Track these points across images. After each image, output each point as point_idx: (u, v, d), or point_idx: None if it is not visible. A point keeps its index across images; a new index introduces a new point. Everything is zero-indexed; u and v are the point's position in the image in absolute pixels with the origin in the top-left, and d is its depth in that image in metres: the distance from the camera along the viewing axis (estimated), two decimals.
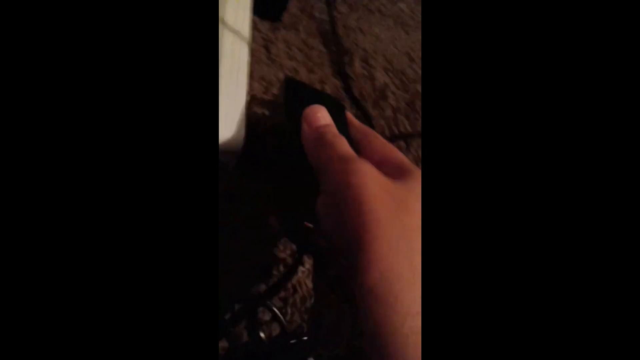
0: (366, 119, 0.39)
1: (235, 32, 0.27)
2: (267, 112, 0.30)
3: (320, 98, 0.26)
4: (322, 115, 0.23)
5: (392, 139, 0.40)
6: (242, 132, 0.25)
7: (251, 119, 0.28)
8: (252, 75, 0.34)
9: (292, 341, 0.23)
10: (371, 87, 0.42)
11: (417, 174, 0.21)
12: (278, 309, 0.25)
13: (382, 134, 0.40)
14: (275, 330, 0.25)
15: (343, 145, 0.22)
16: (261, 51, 0.36)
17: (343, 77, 0.40)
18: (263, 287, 0.26)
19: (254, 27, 0.37)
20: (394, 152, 0.23)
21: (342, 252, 0.20)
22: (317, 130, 0.22)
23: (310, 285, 0.27)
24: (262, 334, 0.24)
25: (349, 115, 0.26)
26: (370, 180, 0.20)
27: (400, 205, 0.19)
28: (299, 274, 0.27)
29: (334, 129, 0.23)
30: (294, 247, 0.28)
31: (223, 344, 0.23)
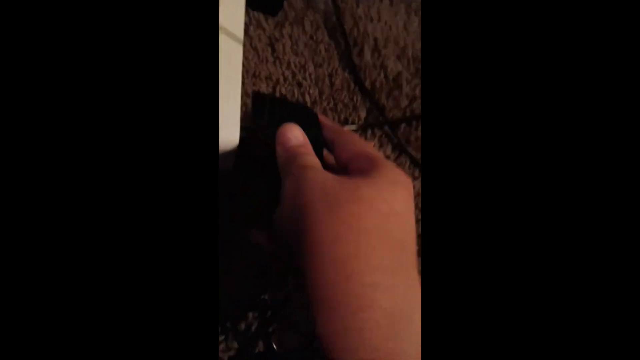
0: (378, 111, 0.38)
1: (228, 33, 0.27)
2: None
3: (290, 108, 0.25)
4: (293, 135, 0.22)
5: (412, 119, 0.39)
6: (237, 134, 0.24)
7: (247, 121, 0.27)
8: (258, 76, 0.33)
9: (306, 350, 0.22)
10: (384, 77, 0.41)
11: (386, 167, 0.20)
12: (294, 317, 0.25)
13: (398, 124, 0.39)
14: (292, 339, 0.24)
15: (307, 159, 0.21)
16: (267, 50, 0.35)
17: (352, 68, 0.39)
18: (280, 295, 0.25)
19: (258, 26, 0.36)
20: (364, 147, 0.23)
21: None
22: (289, 151, 0.22)
23: None
24: (274, 345, 0.23)
25: (322, 117, 0.25)
26: (312, 183, 0.19)
27: (353, 203, 0.18)
28: None
29: (306, 148, 0.22)
30: None
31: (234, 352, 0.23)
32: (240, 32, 0.26)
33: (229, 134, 0.24)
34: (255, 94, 0.26)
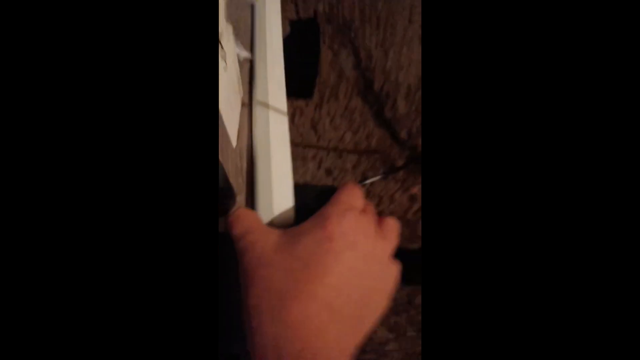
0: (414, 158, 0.42)
1: (278, 138, 0.35)
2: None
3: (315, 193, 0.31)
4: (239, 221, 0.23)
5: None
6: (292, 214, 0.32)
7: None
8: (305, 158, 0.41)
9: None
10: (420, 121, 0.45)
11: (326, 217, 0.21)
12: None
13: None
14: None
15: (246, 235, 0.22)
16: (310, 133, 0.43)
17: (386, 125, 0.44)
18: None
19: (300, 113, 0.44)
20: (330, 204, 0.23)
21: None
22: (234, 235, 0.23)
23: None
24: None
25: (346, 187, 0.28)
26: (250, 252, 0.20)
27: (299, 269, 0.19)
28: None
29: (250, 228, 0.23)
30: None
31: None
32: (286, 136, 0.34)
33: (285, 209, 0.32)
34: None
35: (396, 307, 0.34)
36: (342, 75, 0.46)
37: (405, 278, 0.36)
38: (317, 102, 0.45)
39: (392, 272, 0.24)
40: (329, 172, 0.41)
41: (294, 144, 0.38)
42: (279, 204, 0.31)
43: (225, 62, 0.28)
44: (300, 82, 0.43)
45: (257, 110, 0.34)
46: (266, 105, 0.35)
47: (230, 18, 0.31)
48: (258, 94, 0.35)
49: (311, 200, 0.31)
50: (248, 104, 0.36)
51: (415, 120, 0.44)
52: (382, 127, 0.44)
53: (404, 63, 0.48)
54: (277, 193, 0.32)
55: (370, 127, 0.44)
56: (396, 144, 0.43)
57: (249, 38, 0.40)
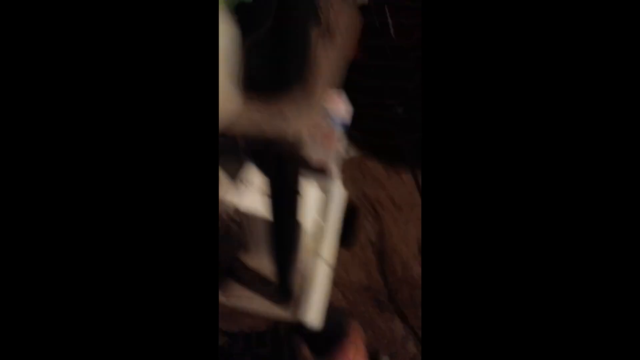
0: (391, 300, 0.76)
1: (321, 259, 0.71)
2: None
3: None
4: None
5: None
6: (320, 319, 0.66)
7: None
8: (335, 283, 0.77)
9: None
10: (407, 286, 0.79)
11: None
12: None
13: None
14: None
15: None
16: (339, 270, 0.79)
17: (382, 275, 0.79)
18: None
19: (341, 255, 0.80)
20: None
21: None
22: None
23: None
24: None
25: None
26: None
27: None
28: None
29: None
30: None
31: None
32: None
33: None
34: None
35: None
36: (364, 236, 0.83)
37: None
38: (350, 253, 0.81)
39: None
40: (343, 293, 0.76)
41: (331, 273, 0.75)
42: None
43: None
44: (346, 240, 0.80)
45: (319, 260, 0.72)
46: (324, 259, 0.72)
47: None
48: (322, 251, 0.73)
49: (332, 312, 0.66)
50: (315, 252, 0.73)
51: (397, 277, 0.79)
52: (380, 275, 0.79)
53: (403, 239, 0.84)
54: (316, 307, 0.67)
55: (374, 273, 0.79)
56: (383, 289, 0.78)
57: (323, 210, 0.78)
